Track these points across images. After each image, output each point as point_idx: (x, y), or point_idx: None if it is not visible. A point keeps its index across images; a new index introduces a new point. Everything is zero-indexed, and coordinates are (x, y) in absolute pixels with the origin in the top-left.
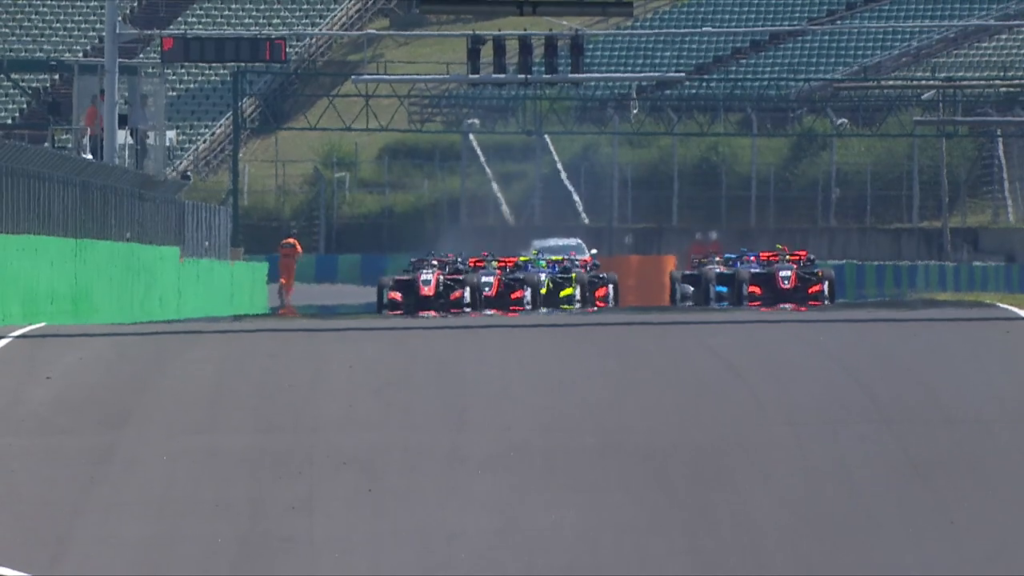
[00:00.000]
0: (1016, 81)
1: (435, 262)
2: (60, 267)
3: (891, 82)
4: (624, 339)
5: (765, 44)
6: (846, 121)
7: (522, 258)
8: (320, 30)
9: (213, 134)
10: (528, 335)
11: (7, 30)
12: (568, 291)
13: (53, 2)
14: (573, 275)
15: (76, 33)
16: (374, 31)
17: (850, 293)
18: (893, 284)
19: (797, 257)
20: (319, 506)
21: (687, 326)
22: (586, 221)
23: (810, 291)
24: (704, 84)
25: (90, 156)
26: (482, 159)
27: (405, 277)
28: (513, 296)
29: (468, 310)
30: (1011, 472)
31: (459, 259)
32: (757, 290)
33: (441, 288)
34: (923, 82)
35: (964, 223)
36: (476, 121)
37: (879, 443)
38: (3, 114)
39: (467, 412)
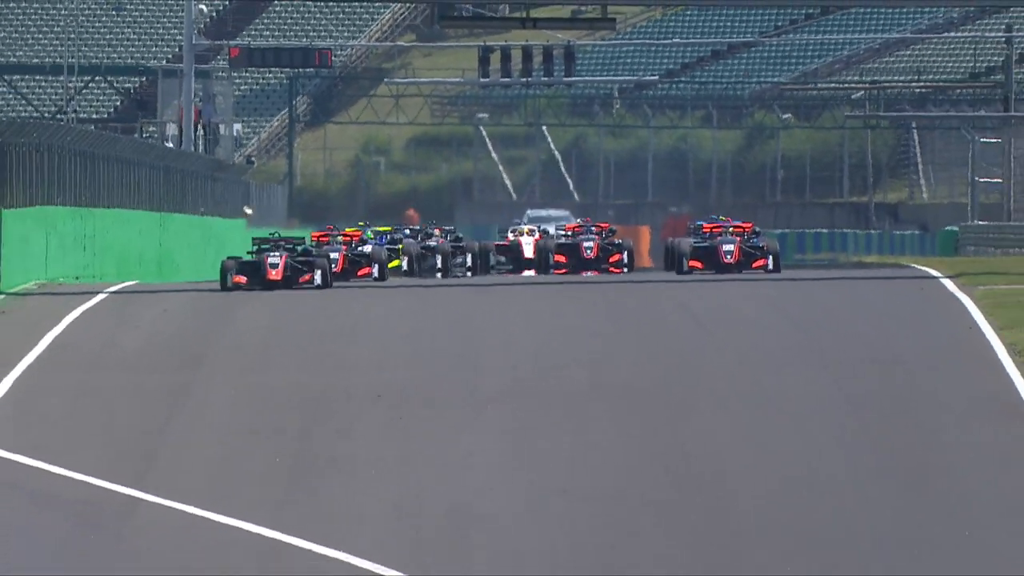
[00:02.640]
0: (928, 83)
1: (282, 243)
2: (147, 235)
3: (826, 84)
4: (609, 296)
5: (724, 53)
6: (790, 116)
7: (348, 230)
8: (359, 42)
9: (272, 127)
10: (529, 293)
11: (104, 41)
12: (395, 263)
13: (141, 17)
14: (400, 246)
15: (160, 42)
16: (403, 43)
17: (790, 256)
18: (828, 249)
19: (741, 229)
20: (357, 433)
21: (660, 284)
22: (577, 198)
23: (754, 265)
24: (674, 86)
25: (171, 144)
26: (490, 147)
27: (252, 259)
28: (360, 273)
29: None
30: (925, 403)
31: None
32: (699, 264)
33: (289, 272)
34: (852, 84)
35: (886, 199)
36: (485, 115)
37: (818, 380)
38: (100, 110)
39: (480, 356)
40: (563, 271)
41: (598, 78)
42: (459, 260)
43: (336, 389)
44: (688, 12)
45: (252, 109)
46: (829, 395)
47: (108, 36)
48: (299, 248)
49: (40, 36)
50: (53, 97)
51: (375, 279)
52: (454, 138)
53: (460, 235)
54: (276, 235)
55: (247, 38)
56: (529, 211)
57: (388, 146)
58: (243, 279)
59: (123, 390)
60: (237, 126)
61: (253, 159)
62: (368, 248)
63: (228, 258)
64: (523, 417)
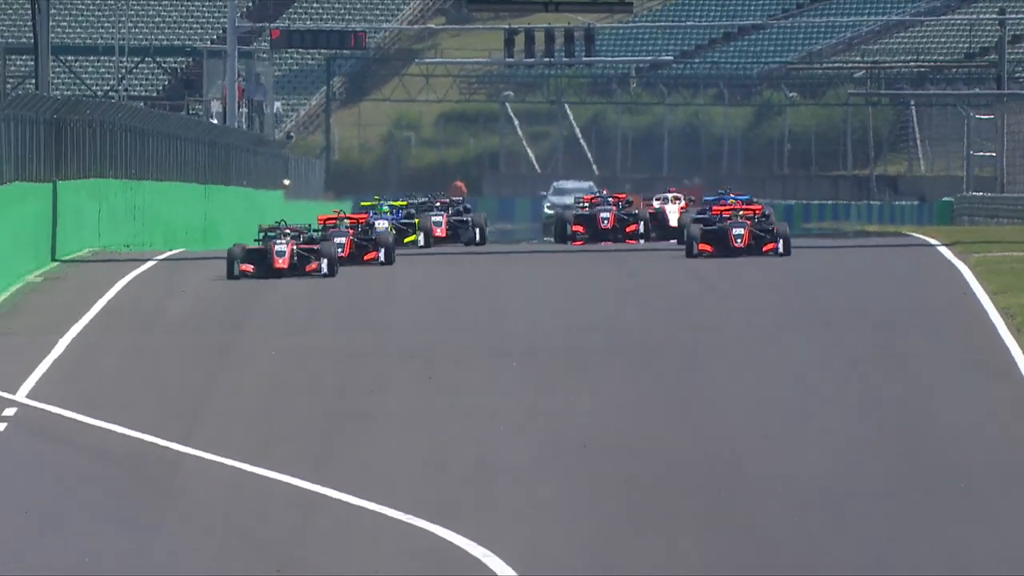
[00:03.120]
0: (926, 63)
1: (288, 230)
2: (193, 206)
3: (830, 64)
4: (625, 262)
5: (735, 35)
6: (796, 94)
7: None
8: (392, 25)
9: (310, 104)
10: (550, 259)
11: (153, 24)
12: (412, 238)
13: (188, 1)
14: (416, 220)
15: (205, 25)
16: (433, 26)
17: (797, 226)
18: (832, 219)
19: (751, 211)
20: (389, 390)
21: (673, 252)
22: (596, 171)
23: (764, 249)
24: (687, 65)
25: (216, 121)
26: (515, 123)
27: (258, 247)
28: (366, 258)
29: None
30: (921, 362)
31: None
32: (709, 248)
33: (296, 259)
34: (855, 64)
35: (886, 172)
36: (511, 93)
37: (820, 340)
38: (149, 89)
39: (504, 319)
40: (580, 242)
41: (616, 58)
42: (467, 236)
43: (370, 349)
44: None
45: (291, 88)
46: (831, 354)
47: (157, 19)
48: (304, 236)
49: (93, 20)
50: (106, 76)
51: (382, 263)
52: (481, 115)
53: (468, 206)
54: (283, 223)
55: (287, 21)
56: (555, 183)
57: (418, 122)
58: (250, 267)
59: (170, 351)
60: (277, 104)
61: (292, 135)
62: (381, 224)
63: (235, 245)
64: (544, 375)
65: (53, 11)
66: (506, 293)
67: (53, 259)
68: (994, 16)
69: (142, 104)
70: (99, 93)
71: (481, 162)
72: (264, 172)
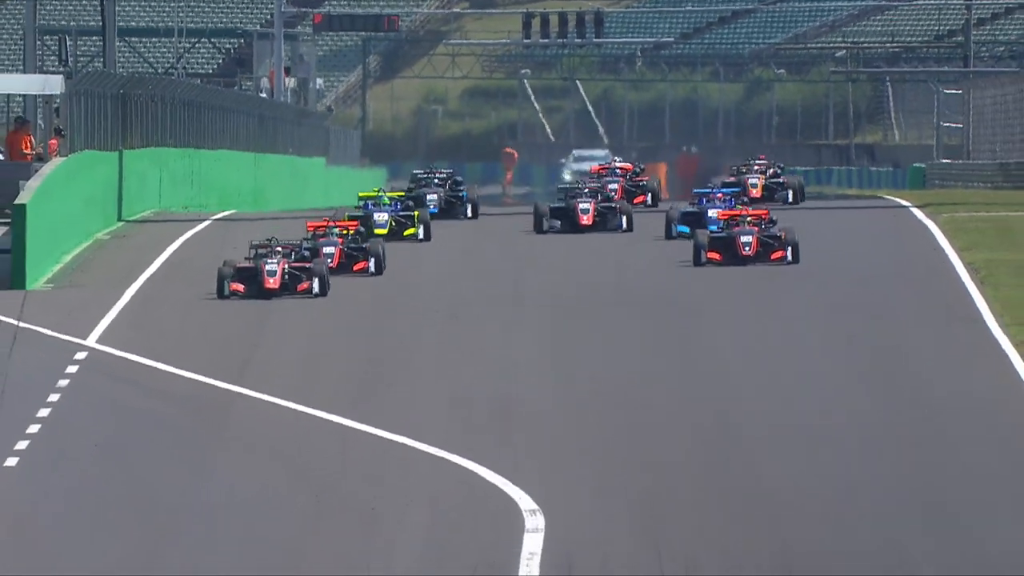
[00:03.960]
0: (900, 43)
1: (279, 248)
2: (244, 172)
3: (814, 45)
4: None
5: (729, 18)
6: (783, 71)
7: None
8: (422, 10)
9: (348, 81)
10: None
11: (208, 8)
12: (411, 230)
13: None
14: (416, 214)
15: (255, 9)
16: (458, 10)
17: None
18: (815, 183)
19: (757, 217)
20: (421, 338)
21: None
22: (606, 141)
23: (772, 257)
24: (687, 46)
25: (264, 96)
26: (532, 97)
27: (247, 265)
28: (356, 268)
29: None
30: (896, 311)
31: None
32: (717, 256)
33: (287, 278)
34: (836, 44)
35: (864, 141)
36: (528, 71)
37: (806, 291)
38: (205, 67)
39: (523, 274)
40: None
41: (623, 39)
42: (461, 211)
43: (402, 301)
44: None
45: (331, 66)
46: (814, 304)
47: (212, 4)
48: (296, 253)
49: (155, 4)
50: (166, 55)
51: (372, 273)
52: (501, 90)
53: (459, 178)
54: (273, 240)
55: (328, 6)
56: (574, 151)
57: (445, 96)
58: (240, 287)
59: (223, 302)
60: (319, 80)
61: (332, 108)
62: (381, 216)
63: (224, 264)
64: (560, 325)
65: None
66: (524, 253)
67: (119, 219)
68: (961, 1)
69: (198, 80)
70: (160, 71)
71: (501, 133)
72: (307, 141)
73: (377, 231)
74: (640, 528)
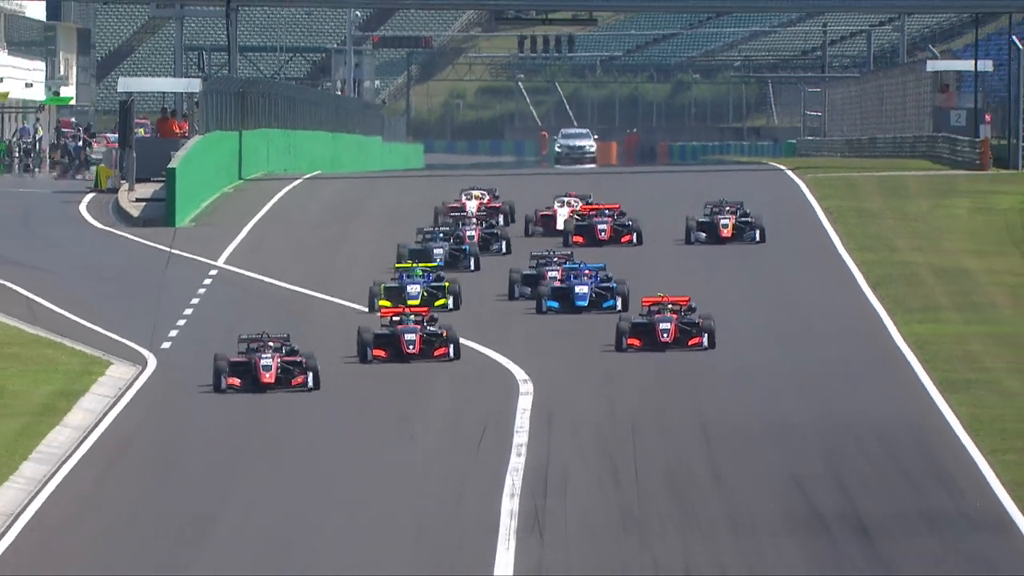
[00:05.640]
0: (778, 56)
1: (271, 343)
2: (324, 146)
3: (720, 58)
4: (598, 180)
5: (661, 39)
6: (698, 76)
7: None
8: (448, 32)
9: (396, 82)
10: (555, 180)
11: (301, 32)
12: (442, 301)
13: (321, 15)
14: (447, 284)
15: (334, 32)
16: (473, 33)
17: (698, 158)
18: (719, 153)
19: (678, 303)
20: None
21: (631, 175)
22: (575, 123)
23: (690, 343)
24: (631, 58)
25: (339, 93)
26: (525, 94)
27: (241, 359)
28: (436, 354)
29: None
30: (773, 249)
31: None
32: (637, 343)
33: (281, 373)
34: (735, 57)
35: (753, 124)
36: (522, 76)
37: (713, 252)
38: (297, 72)
39: (521, 201)
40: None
41: (587, 54)
42: (494, 247)
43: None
44: (642, 15)
45: (385, 72)
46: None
47: (303, 28)
48: (287, 347)
49: (265, 27)
50: (271, 65)
51: (451, 359)
52: (503, 89)
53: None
54: (264, 335)
55: (383, 31)
56: (563, 130)
57: (464, 94)
58: (237, 382)
59: (310, 236)
60: (376, 82)
61: (385, 101)
62: (413, 288)
63: (218, 359)
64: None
65: (240, 23)
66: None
67: (239, 178)
68: (820, 28)
69: (294, 82)
70: (267, 75)
71: (503, 119)
72: (368, 125)
73: (410, 302)
74: (600, 393)
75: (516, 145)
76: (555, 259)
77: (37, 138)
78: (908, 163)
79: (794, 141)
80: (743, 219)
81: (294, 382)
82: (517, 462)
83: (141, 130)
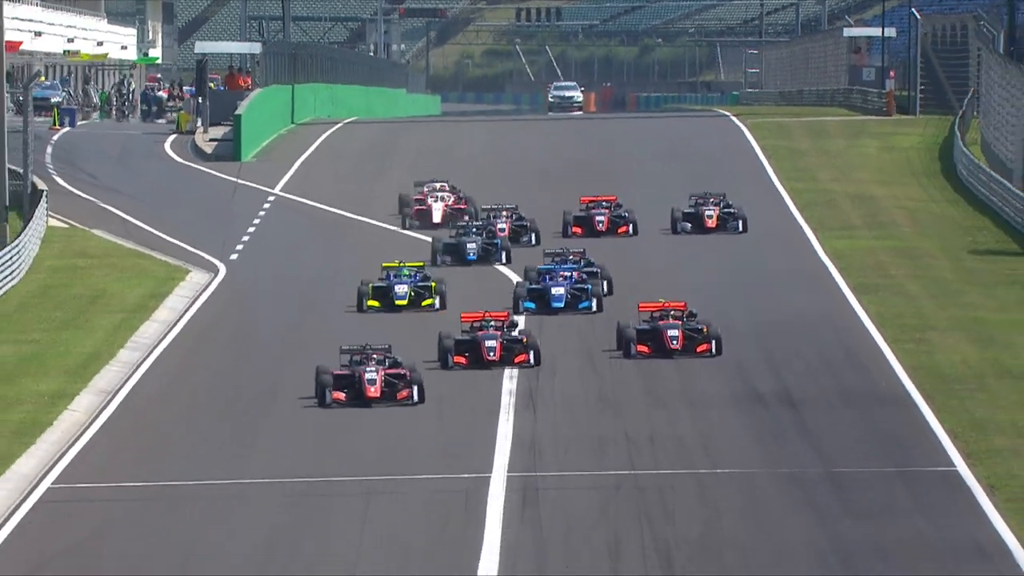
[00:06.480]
0: (725, 24)
1: (375, 356)
2: (360, 97)
3: (680, 25)
4: (581, 124)
5: (631, 10)
6: (660, 39)
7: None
8: (460, 5)
9: (417, 46)
10: (552, 123)
11: (340, 5)
12: (428, 301)
13: None
14: (432, 284)
15: (367, 5)
16: (480, 6)
17: (661, 107)
18: (676, 103)
19: (679, 309)
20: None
21: (606, 120)
22: (560, 77)
23: (698, 350)
24: (606, 25)
25: (372, 54)
26: (522, 56)
27: (345, 372)
28: (516, 360)
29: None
30: (718, 173)
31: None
32: (646, 350)
33: (386, 387)
34: (691, 24)
35: (704, 79)
36: (519, 40)
37: (670, 170)
38: (338, 37)
39: (521, 142)
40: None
41: (571, 23)
42: (524, 239)
43: (449, 168)
44: None
45: (409, 37)
46: (677, 180)
47: (343, 2)
48: (390, 360)
49: (311, 2)
50: (318, 32)
51: (531, 366)
52: (504, 51)
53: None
54: (367, 346)
55: (408, 3)
56: (555, 83)
57: (472, 55)
58: (342, 396)
59: (351, 167)
60: (402, 46)
61: (408, 61)
62: (401, 288)
63: (322, 371)
64: (550, 182)
65: None
66: (527, 133)
67: (292, 122)
68: (758, 2)
69: (335, 46)
70: (315, 40)
71: (503, 76)
72: (395, 80)
73: (397, 302)
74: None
75: (514, 96)
76: (570, 257)
77: (131, 90)
78: (828, 110)
79: (737, 93)
80: (726, 210)
81: (399, 396)
82: None
83: (213, 84)
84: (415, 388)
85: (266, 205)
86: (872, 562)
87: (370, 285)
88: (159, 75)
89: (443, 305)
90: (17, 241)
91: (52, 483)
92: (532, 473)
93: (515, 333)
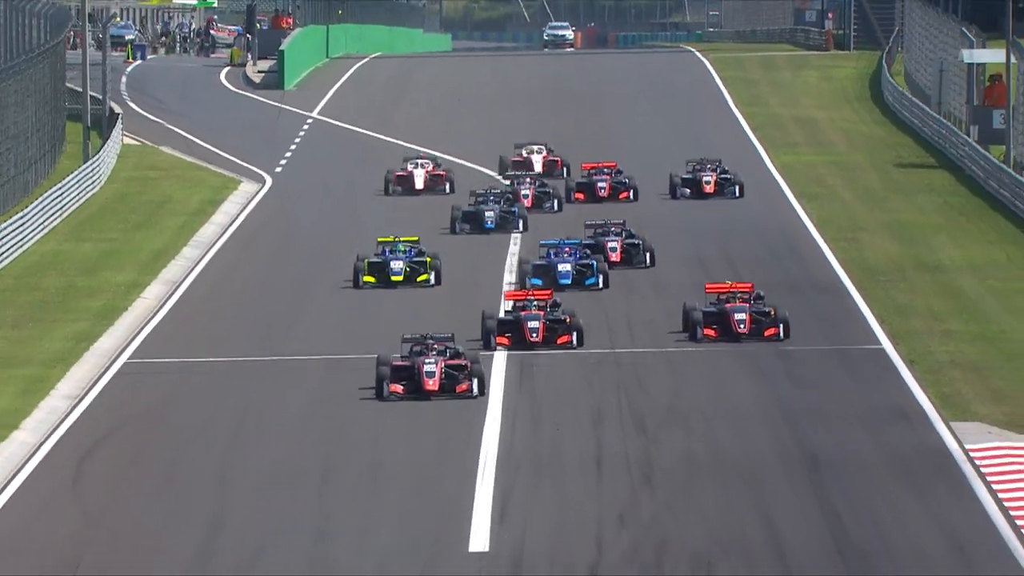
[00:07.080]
0: None
1: (435, 346)
2: (383, 36)
3: None
4: (570, 59)
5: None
6: None
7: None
8: None
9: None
10: (545, 57)
11: None
12: (424, 276)
13: None
14: (428, 259)
15: None
16: None
17: (639, 44)
18: (650, 41)
19: (745, 290)
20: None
21: (596, 55)
22: (551, 18)
23: (766, 334)
24: None
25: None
26: (521, 6)
27: (405, 363)
28: (560, 341)
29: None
30: (683, 100)
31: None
32: (713, 333)
33: (445, 379)
34: None
35: (673, 20)
36: None
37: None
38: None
39: (512, 74)
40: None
41: None
42: (547, 205)
43: (460, 111)
44: None
45: None
46: (639, 90)
47: None
48: (451, 350)
49: None
50: None
51: (573, 347)
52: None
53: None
54: (428, 335)
55: None
56: (549, 23)
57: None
58: (400, 389)
59: (379, 94)
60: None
61: (424, 4)
62: (397, 264)
63: (381, 363)
64: (536, 111)
65: None
66: (517, 66)
67: (327, 56)
68: None
69: None
70: None
71: (505, 18)
72: (413, 21)
73: (393, 278)
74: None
75: (514, 35)
76: (612, 228)
77: (192, 29)
78: (777, 47)
79: (700, 32)
80: (723, 175)
81: (459, 388)
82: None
83: (260, 24)
84: (475, 381)
85: (305, 126)
86: (812, 422)
87: (366, 261)
88: (215, 16)
89: (438, 281)
90: (97, 156)
91: (128, 358)
92: (528, 352)
93: (558, 313)
